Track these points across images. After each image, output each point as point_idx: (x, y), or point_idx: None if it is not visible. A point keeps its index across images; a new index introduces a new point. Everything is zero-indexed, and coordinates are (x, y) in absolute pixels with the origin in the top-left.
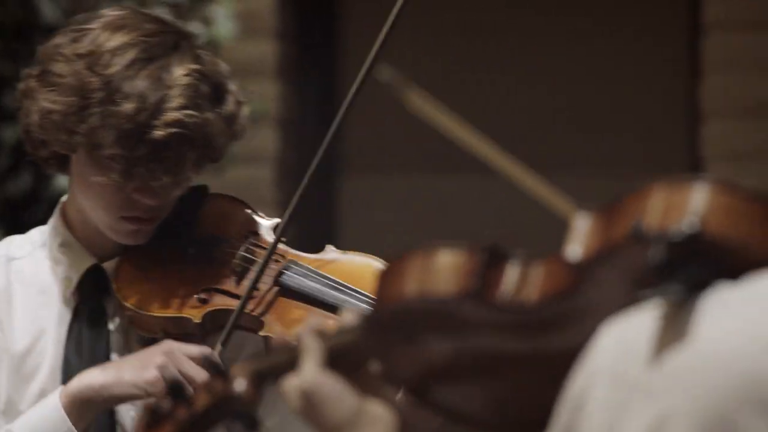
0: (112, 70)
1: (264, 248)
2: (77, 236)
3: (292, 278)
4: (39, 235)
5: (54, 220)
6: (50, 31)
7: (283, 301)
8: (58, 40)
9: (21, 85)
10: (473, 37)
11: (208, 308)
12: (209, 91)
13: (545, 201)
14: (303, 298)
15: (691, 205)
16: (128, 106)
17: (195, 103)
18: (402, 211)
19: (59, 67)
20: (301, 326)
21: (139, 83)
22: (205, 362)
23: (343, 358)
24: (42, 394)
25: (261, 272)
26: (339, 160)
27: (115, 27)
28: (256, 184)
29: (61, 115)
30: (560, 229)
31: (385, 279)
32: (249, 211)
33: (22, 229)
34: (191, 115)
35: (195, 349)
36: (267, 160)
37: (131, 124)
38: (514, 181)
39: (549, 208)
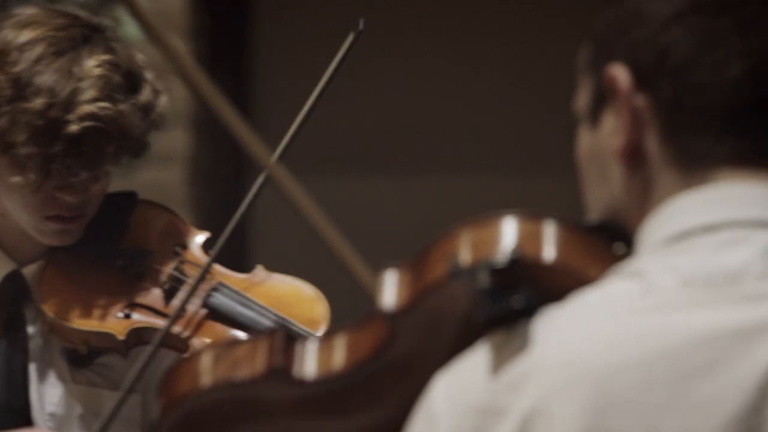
0: (20, 66)
1: (193, 264)
2: None
3: (220, 301)
4: None
5: None
6: None
7: (210, 324)
8: None
9: None
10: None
11: (133, 325)
12: (123, 81)
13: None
14: (230, 323)
15: (503, 236)
16: (38, 102)
17: (108, 94)
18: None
19: None
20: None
21: (49, 77)
22: None
23: None
24: None
25: (191, 294)
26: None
27: (23, 24)
28: (168, 184)
29: None
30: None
31: (179, 377)
32: (179, 222)
33: None
34: (105, 108)
35: None
36: (179, 160)
37: (43, 120)
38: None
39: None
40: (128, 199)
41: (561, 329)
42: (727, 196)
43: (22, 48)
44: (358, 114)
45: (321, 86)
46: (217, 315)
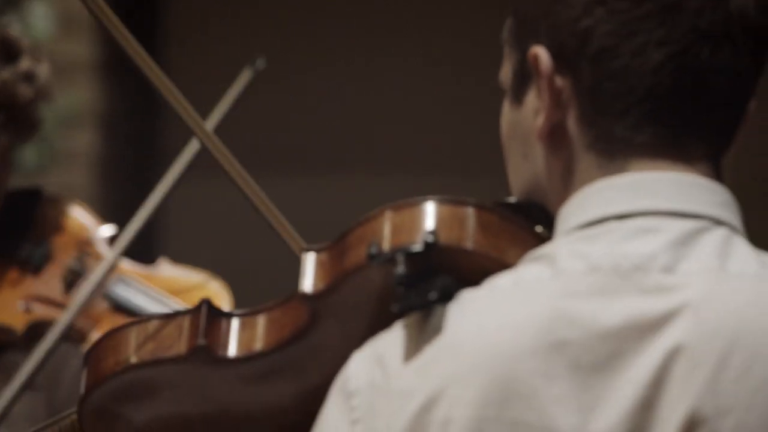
0: None
1: (95, 257)
2: None
3: (121, 293)
4: None
5: None
6: None
7: (111, 316)
8: None
9: None
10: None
11: (33, 318)
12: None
13: (279, 231)
14: (131, 315)
15: (421, 221)
16: None
17: None
18: (230, 215)
19: None
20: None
21: None
22: None
23: None
24: None
25: (93, 287)
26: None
27: None
28: (76, 182)
29: None
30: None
31: (104, 353)
32: (84, 216)
33: None
34: None
35: None
36: (86, 158)
37: None
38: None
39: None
40: (33, 195)
41: (473, 314)
42: (642, 185)
43: None
44: (297, 114)
45: (214, 122)
46: (118, 307)
